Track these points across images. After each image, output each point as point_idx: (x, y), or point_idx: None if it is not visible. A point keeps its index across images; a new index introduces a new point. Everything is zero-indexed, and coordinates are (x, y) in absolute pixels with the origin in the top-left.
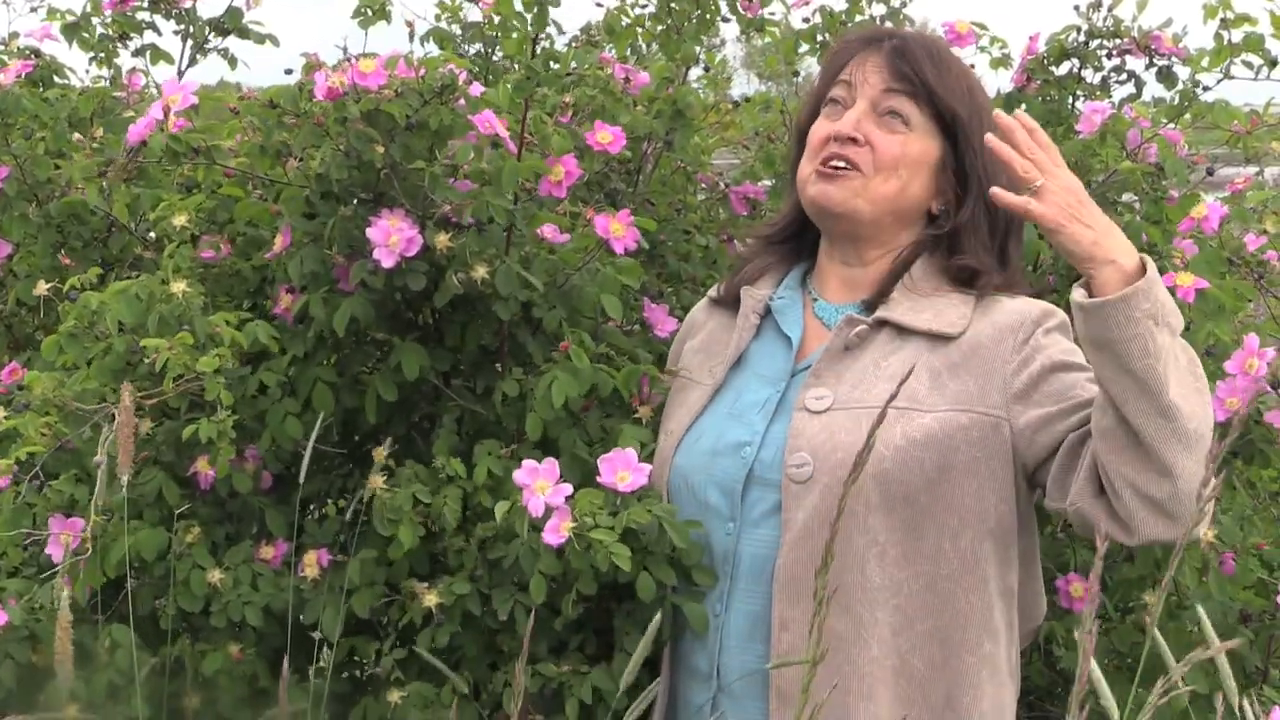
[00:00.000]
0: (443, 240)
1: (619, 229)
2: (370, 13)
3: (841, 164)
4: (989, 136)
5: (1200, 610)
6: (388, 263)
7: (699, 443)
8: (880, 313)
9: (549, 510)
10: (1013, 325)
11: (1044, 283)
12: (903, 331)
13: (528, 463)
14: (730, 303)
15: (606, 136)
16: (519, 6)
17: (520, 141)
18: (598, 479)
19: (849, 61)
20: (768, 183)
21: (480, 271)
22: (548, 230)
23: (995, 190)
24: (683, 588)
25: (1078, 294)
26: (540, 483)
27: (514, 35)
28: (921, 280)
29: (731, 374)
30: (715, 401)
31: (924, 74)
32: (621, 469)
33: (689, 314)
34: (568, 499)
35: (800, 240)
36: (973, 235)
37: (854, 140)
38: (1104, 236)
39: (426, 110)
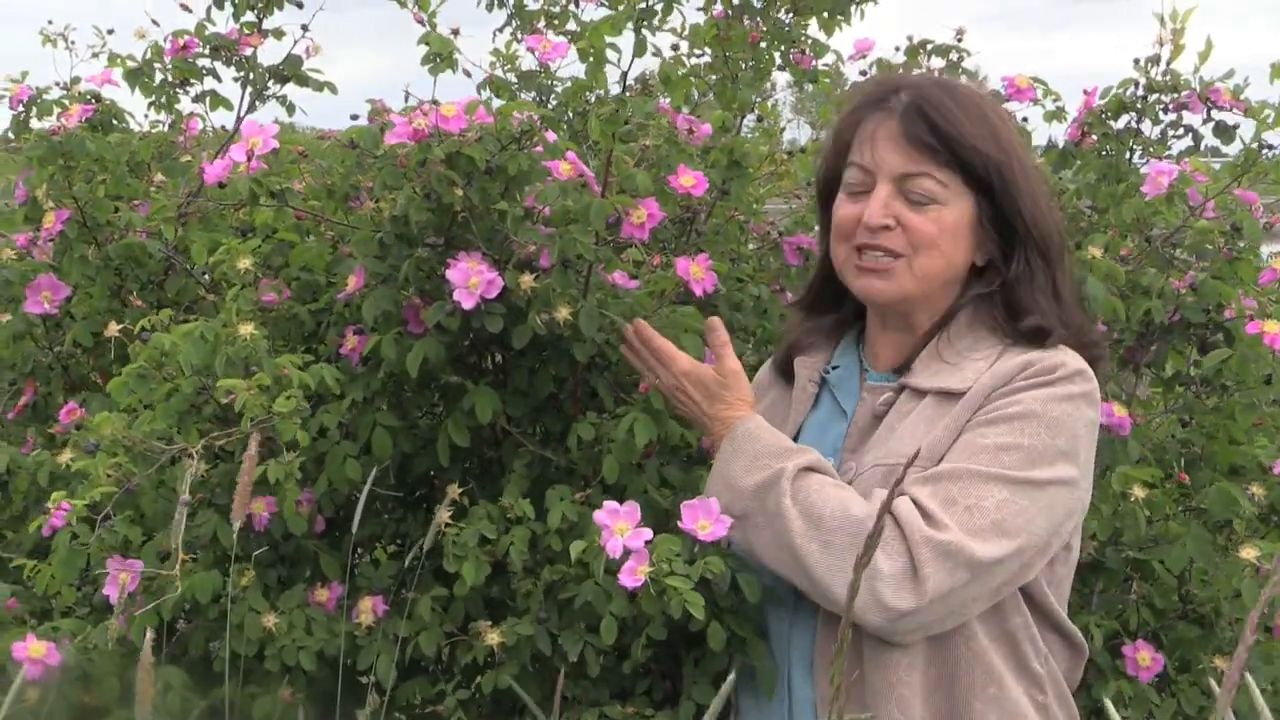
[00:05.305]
0: (526, 281)
1: (698, 271)
2: (439, 60)
3: (879, 254)
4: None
5: (1249, 679)
6: (468, 304)
7: None
8: (904, 379)
9: (627, 552)
10: (992, 384)
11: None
12: (918, 392)
13: (609, 504)
14: (784, 372)
15: (690, 180)
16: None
17: (604, 181)
18: (679, 524)
19: (858, 130)
20: None
21: (564, 312)
22: (617, 276)
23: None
24: (753, 648)
25: None
26: (620, 525)
27: (602, 71)
28: (958, 335)
29: None
30: None
31: (946, 132)
32: (703, 517)
33: (759, 372)
34: (647, 543)
35: (839, 301)
36: (1029, 285)
37: (885, 227)
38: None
39: (505, 155)
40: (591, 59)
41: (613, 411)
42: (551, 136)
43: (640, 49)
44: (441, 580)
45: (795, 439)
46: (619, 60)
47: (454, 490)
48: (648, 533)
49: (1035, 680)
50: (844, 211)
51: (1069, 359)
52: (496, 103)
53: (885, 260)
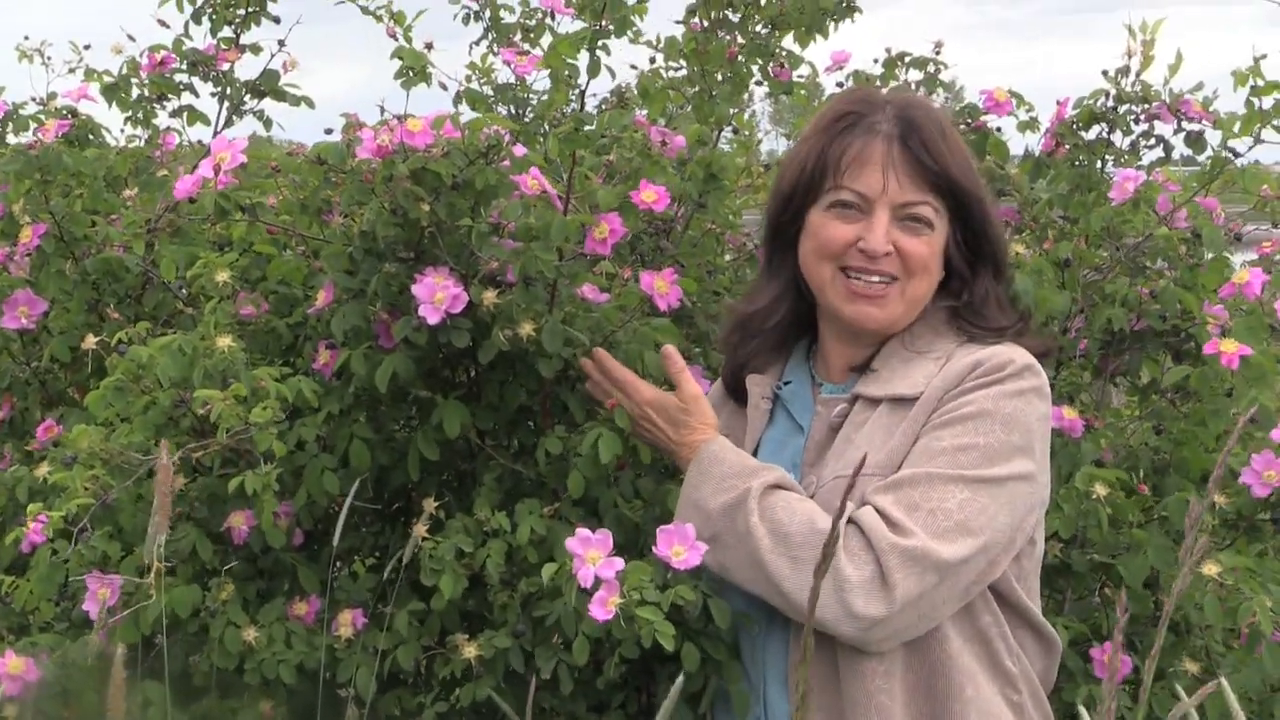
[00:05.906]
0: (489, 297)
1: (663, 286)
2: (412, 74)
3: (876, 279)
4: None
5: (1223, 682)
6: (433, 319)
7: None
8: (856, 389)
9: (598, 581)
10: (944, 386)
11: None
12: (872, 400)
13: (582, 531)
14: (734, 391)
15: (651, 195)
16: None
17: (566, 198)
18: (653, 549)
19: (845, 149)
20: None
21: (527, 328)
22: (587, 290)
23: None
24: (727, 669)
25: None
26: (592, 553)
27: (563, 88)
28: (920, 335)
29: None
30: None
31: (942, 163)
32: (678, 543)
33: (709, 392)
34: (617, 574)
35: (790, 316)
36: (993, 300)
37: (886, 253)
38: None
39: (472, 170)
40: (552, 78)
41: (582, 426)
42: (521, 150)
43: (594, 70)
44: (420, 593)
45: (753, 456)
46: (573, 78)
47: (431, 504)
48: (619, 562)
49: (1009, 679)
50: (834, 233)
51: (1017, 355)
52: (472, 116)
53: (879, 286)
